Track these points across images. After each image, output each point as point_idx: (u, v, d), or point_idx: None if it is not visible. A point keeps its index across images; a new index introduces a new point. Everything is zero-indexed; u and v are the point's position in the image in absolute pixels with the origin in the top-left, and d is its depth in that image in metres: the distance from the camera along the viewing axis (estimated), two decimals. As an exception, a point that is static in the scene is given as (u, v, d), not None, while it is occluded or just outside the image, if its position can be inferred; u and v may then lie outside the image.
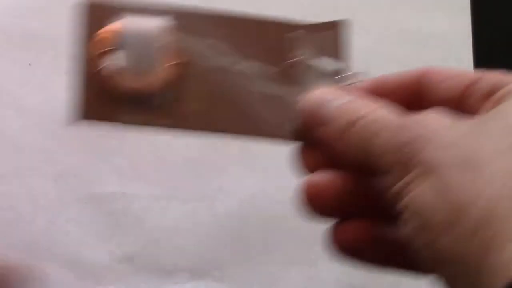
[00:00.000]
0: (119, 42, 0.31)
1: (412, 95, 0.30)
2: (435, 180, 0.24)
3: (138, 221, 0.45)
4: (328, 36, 0.34)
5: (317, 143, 0.30)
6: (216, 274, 0.44)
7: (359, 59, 0.50)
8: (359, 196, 0.30)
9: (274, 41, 0.34)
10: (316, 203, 0.31)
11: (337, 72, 0.33)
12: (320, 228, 0.46)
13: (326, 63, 0.33)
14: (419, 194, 0.25)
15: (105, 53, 0.32)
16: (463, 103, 0.28)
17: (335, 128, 0.29)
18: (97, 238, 0.44)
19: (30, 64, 0.48)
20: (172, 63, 0.32)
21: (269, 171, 0.46)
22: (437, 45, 0.51)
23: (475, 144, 0.24)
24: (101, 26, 0.32)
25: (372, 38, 0.50)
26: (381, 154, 0.26)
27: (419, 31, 0.51)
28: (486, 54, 0.51)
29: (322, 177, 0.31)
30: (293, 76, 0.33)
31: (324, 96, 0.30)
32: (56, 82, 0.48)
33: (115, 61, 0.31)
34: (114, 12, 0.32)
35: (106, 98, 0.32)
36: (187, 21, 0.33)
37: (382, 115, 0.27)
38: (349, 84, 0.32)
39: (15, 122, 0.46)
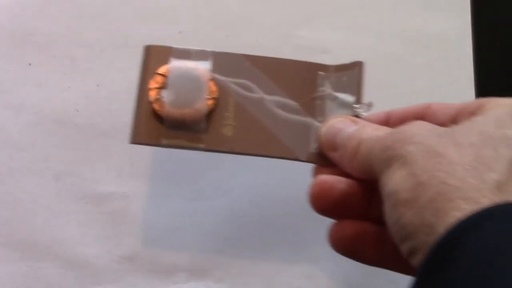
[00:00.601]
0: (169, 80, 0.39)
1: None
2: (407, 168, 0.30)
3: (138, 221, 0.45)
4: (349, 74, 0.40)
5: (332, 162, 0.36)
6: (216, 274, 0.44)
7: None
8: (364, 200, 0.35)
9: (299, 79, 0.40)
10: (322, 200, 0.35)
11: (354, 103, 0.39)
12: (319, 228, 0.46)
13: (345, 96, 0.39)
14: (394, 180, 0.30)
15: (157, 88, 0.39)
16: (456, 122, 0.33)
17: (346, 152, 0.35)
18: (97, 238, 0.44)
19: (30, 64, 0.48)
20: (208, 97, 0.39)
21: (269, 171, 0.46)
22: (437, 45, 0.51)
23: (441, 140, 0.30)
24: (156, 66, 0.39)
25: (372, 38, 0.50)
26: (376, 161, 0.32)
27: (419, 31, 0.51)
28: (486, 54, 0.51)
29: (331, 177, 0.36)
30: (317, 107, 0.39)
31: (337, 126, 0.37)
32: (56, 82, 0.48)
33: (164, 96, 0.39)
34: (166, 56, 0.40)
35: (154, 126, 0.39)
36: (222, 64, 0.40)
37: (377, 134, 0.34)
38: (363, 114, 0.38)
39: (15, 122, 0.46)
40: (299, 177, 0.47)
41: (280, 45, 0.49)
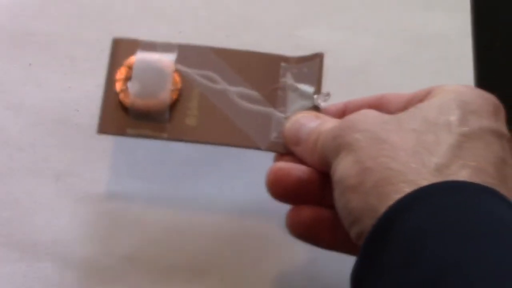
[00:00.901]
0: (134, 72, 0.40)
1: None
2: (354, 154, 0.31)
3: (138, 221, 0.45)
4: (310, 65, 0.41)
5: (293, 154, 0.38)
6: (216, 274, 0.44)
7: (359, 59, 0.50)
8: (319, 186, 0.36)
9: (263, 70, 0.41)
10: (279, 186, 0.36)
11: (313, 94, 0.40)
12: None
13: (306, 87, 0.40)
14: (342, 167, 0.31)
15: (122, 80, 0.40)
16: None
17: (307, 147, 0.36)
18: (97, 238, 0.44)
19: (30, 64, 0.48)
20: (172, 88, 0.40)
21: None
22: (437, 45, 0.51)
23: (386, 127, 0.31)
24: (123, 58, 0.41)
25: (372, 38, 0.50)
26: (328, 151, 0.33)
27: (419, 31, 0.51)
28: (486, 54, 0.51)
29: (288, 164, 0.37)
30: (278, 97, 0.40)
31: (301, 121, 0.38)
32: (56, 82, 0.48)
33: (130, 87, 0.40)
34: (133, 48, 0.41)
35: (120, 116, 0.40)
36: (188, 56, 0.41)
37: (332, 125, 0.34)
38: (321, 104, 0.39)
39: (15, 122, 0.46)
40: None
41: (280, 45, 0.49)
